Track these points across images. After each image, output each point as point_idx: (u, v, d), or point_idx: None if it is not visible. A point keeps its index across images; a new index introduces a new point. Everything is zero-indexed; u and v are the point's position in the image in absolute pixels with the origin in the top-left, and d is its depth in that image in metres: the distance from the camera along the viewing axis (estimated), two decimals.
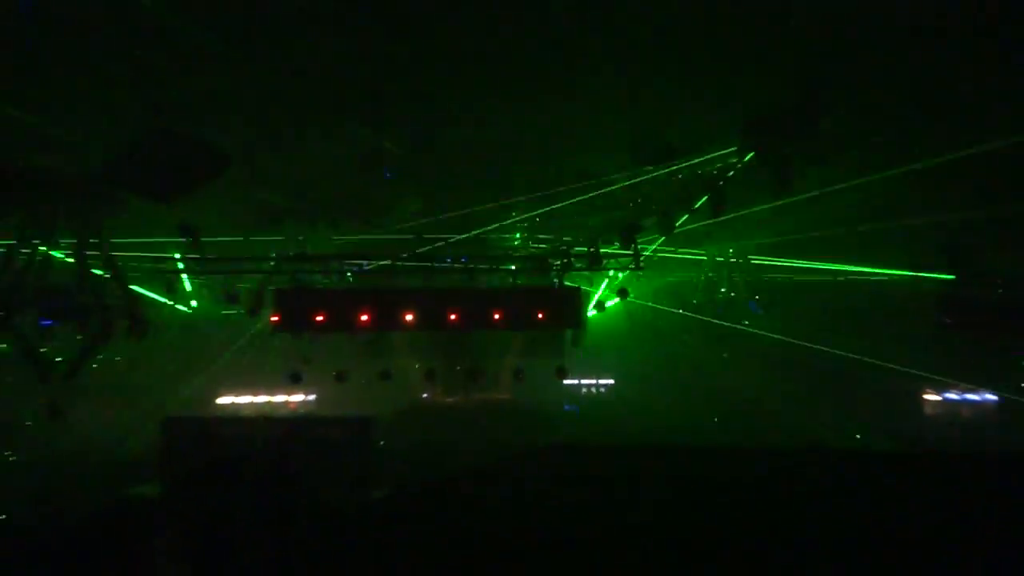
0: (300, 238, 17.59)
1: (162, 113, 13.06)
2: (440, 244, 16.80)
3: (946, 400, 23.88)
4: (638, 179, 15.04)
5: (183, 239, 14.31)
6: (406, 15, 11.91)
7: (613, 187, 15.53)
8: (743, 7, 11.38)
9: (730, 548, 5.50)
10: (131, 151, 12.99)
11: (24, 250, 13.37)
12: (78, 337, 13.91)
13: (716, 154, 14.08)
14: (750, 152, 13.20)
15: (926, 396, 24.79)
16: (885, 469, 9.49)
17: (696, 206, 14.80)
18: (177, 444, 10.25)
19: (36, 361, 13.72)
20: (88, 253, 13.57)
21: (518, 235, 18.66)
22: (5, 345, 15.15)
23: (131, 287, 14.00)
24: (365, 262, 15.50)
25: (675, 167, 14.43)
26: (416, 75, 13.88)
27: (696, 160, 14.26)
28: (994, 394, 22.29)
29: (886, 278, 18.09)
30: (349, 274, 15.15)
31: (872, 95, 13.47)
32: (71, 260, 13.91)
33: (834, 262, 18.08)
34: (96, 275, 13.83)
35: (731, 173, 13.65)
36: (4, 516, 9.98)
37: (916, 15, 10.81)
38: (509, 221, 17.86)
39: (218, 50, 11.70)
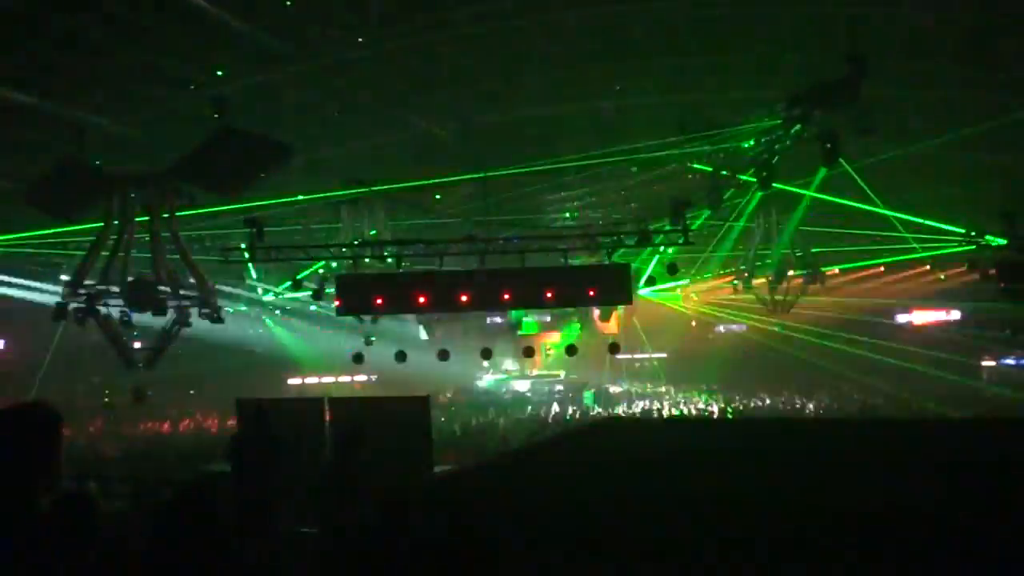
0: (358, 225, 18.20)
1: (227, 110, 13.66)
2: (493, 225, 17.21)
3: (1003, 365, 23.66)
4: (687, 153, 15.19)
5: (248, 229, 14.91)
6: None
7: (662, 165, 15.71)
8: None
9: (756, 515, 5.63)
10: (200, 148, 13.67)
11: (107, 243, 14.16)
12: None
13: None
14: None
15: (984, 363, 24.57)
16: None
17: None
18: (246, 424, 10.79)
19: (121, 348, 14.55)
20: (163, 245, 14.29)
21: (568, 214, 18.99)
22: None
23: (205, 277, 14.67)
24: (421, 245, 15.97)
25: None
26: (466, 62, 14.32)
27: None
28: None
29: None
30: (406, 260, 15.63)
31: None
32: (149, 254, 14.65)
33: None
34: (172, 266, 14.55)
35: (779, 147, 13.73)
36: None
37: None
38: (559, 201, 18.18)
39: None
